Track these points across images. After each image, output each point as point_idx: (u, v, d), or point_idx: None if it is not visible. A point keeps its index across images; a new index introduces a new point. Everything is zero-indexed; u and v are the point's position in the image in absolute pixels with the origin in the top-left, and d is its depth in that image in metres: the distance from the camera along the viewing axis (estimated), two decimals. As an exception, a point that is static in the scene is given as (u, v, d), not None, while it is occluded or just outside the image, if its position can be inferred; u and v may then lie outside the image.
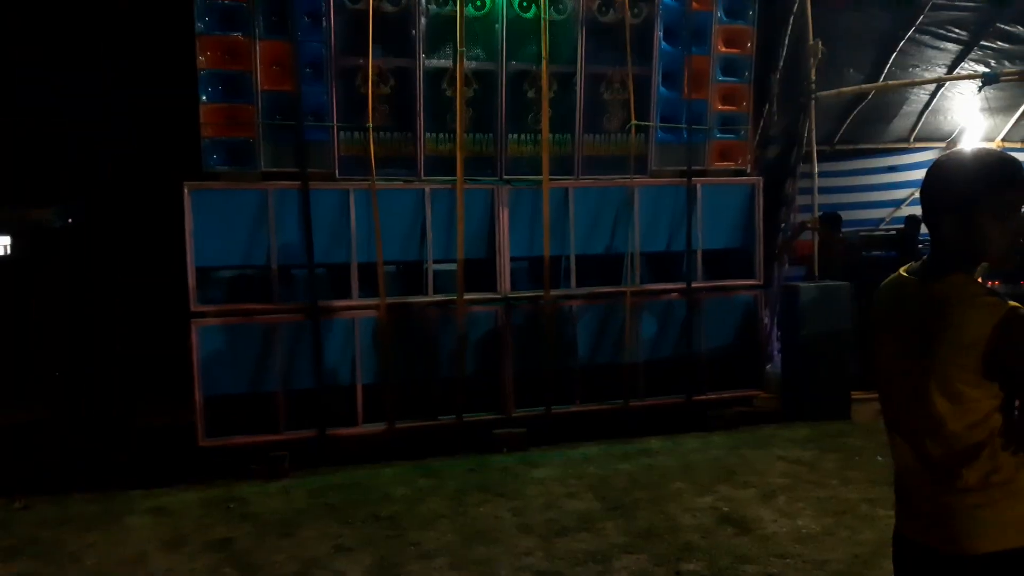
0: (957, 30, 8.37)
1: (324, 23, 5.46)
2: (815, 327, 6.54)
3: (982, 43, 8.41)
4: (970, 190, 1.68)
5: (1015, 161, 1.76)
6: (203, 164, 5.30)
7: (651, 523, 4.45)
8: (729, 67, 6.34)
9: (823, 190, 9.71)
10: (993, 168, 1.70)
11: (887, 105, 9.76)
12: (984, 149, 1.77)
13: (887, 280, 1.91)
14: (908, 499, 1.81)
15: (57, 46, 7.54)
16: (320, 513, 4.75)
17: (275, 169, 5.48)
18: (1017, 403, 1.70)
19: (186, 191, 5.23)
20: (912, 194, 10.60)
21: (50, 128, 8.59)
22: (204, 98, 5.27)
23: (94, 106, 7.92)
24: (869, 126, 10.12)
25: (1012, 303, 1.64)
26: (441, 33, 5.73)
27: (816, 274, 6.97)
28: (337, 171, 5.60)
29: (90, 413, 7.18)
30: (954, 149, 2.11)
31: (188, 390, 5.29)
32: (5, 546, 4.39)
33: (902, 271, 1.86)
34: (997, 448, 1.67)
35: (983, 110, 9.76)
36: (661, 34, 6.12)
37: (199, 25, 5.18)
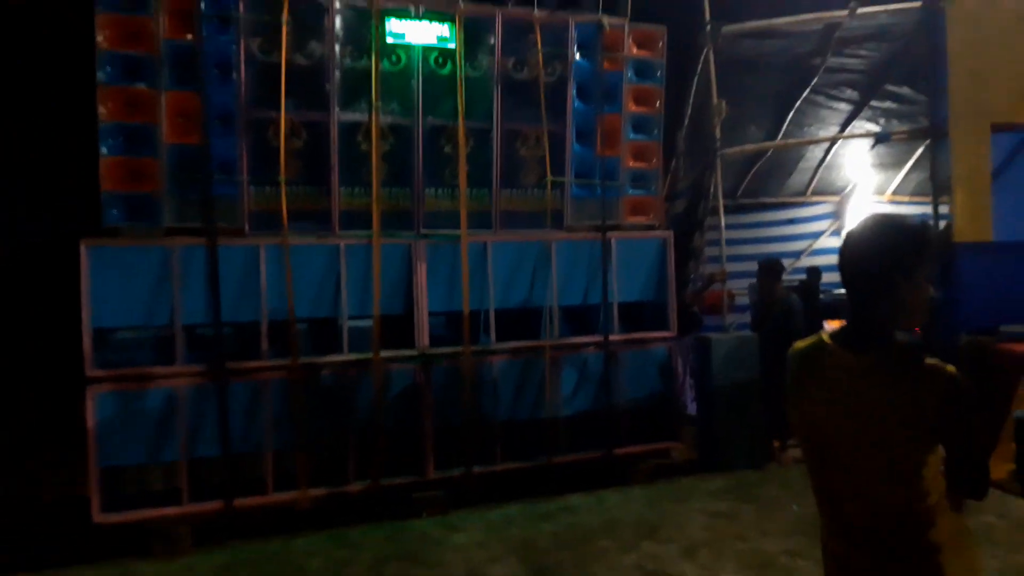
0: (849, 91, 8.90)
1: (234, 75, 5.31)
2: (727, 378, 6.68)
3: (872, 103, 8.96)
4: (897, 258, 1.76)
5: (925, 224, 1.86)
6: (103, 219, 5.01)
7: (577, 587, 4.36)
8: (639, 125, 6.50)
9: (727, 242, 10.07)
10: (915, 234, 1.79)
11: (785, 161, 10.26)
12: (892, 215, 1.85)
13: (807, 345, 1.92)
14: (859, 570, 1.81)
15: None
16: (228, 591, 4.45)
17: (180, 225, 5.23)
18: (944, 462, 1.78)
19: (83, 248, 4.92)
20: (810, 245, 11.12)
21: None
22: (104, 151, 4.99)
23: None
24: (769, 180, 10.60)
25: (949, 367, 1.72)
26: (356, 87, 5.65)
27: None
28: (247, 226, 5.40)
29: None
30: (865, 218, 2.17)
31: (83, 460, 4.90)
32: None
33: (823, 337, 1.88)
34: (945, 504, 1.75)
35: (874, 165, 10.38)
36: (574, 92, 6.24)
37: (100, 75, 4.93)
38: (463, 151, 5.87)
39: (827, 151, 10.11)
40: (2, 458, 6.78)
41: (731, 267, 9.01)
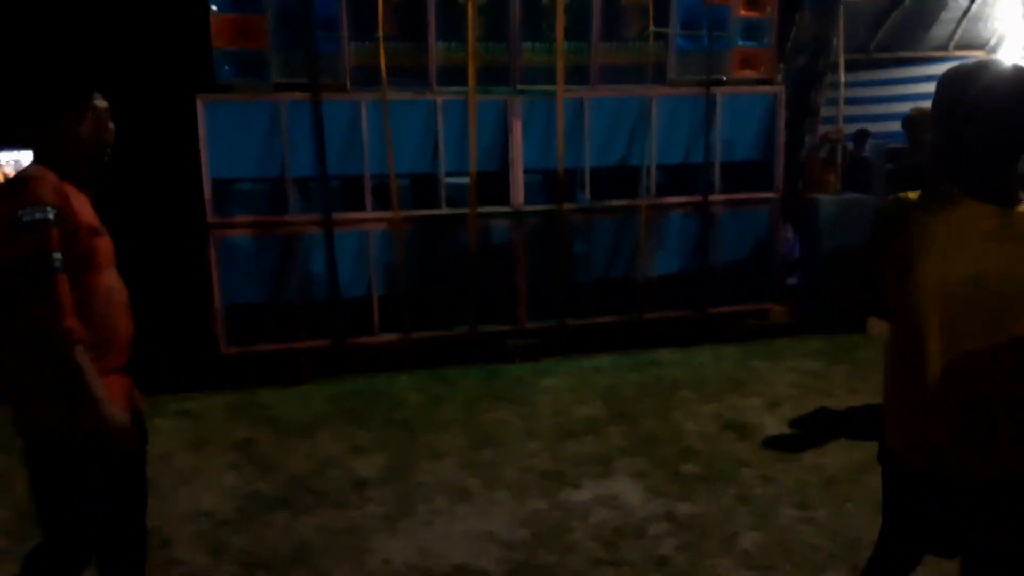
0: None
1: (333, -71, 5.35)
2: (834, 240, 6.49)
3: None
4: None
5: None
6: (215, 76, 5.31)
7: (654, 429, 4.57)
8: (753, -30, 6.11)
9: (857, 100, 9.46)
10: None
11: (925, 11, 9.33)
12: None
13: (916, 201, 1.76)
14: (957, 434, 1.68)
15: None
16: (337, 417, 4.95)
17: (287, 80, 5.47)
18: None
19: (199, 103, 5.26)
20: (949, 105, 10.24)
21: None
22: (215, 8, 5.23)
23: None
24: (907, 33, 9.70)
25: None
26: (453, -62, 5.58)
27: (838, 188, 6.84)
28: (349, 82, 5.57)
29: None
30: (980, 62, 1.93)
31: (207, 303, 5.44)
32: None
33: (944, 192, 1.70)
34: None
35: (1026, 15, 9.30)
36: (681, -64, 5.90)
37: (207, -67, 5.10)
38: (561, 2, 5.73)
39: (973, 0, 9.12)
40: (137, 301, 7.56)
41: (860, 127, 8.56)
